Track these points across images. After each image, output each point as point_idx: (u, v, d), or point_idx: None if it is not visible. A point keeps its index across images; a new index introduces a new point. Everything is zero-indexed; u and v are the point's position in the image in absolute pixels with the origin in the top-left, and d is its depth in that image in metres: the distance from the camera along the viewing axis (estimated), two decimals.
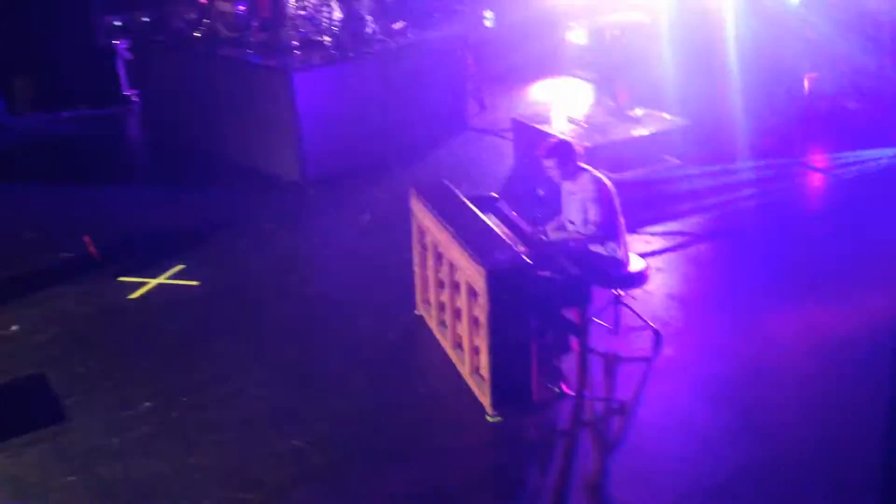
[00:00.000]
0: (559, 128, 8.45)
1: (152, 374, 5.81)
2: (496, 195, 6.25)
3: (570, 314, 5.25)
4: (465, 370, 5.51)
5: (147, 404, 5.47)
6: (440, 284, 5.89)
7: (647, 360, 5.71)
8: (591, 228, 5.56)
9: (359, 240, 7.75)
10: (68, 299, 6.85)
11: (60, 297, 6.87)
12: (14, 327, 6.40)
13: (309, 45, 9.55)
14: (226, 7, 10.03)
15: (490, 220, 5.59)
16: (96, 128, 11.27)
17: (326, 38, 9.57)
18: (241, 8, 10.08)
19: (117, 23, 11.54)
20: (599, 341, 5.75)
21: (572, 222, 5.68)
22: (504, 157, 9.39)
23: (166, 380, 5.74)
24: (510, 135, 9.43)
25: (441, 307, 5.92)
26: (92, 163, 10.12)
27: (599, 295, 5.62)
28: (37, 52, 11.40)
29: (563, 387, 5.26)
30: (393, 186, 8.60)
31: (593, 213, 5.53)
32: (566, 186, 5.73)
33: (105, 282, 7.08)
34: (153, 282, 7.09)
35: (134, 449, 5.08)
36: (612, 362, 5.68)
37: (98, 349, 6.16)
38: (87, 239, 7.61)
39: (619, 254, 5.65)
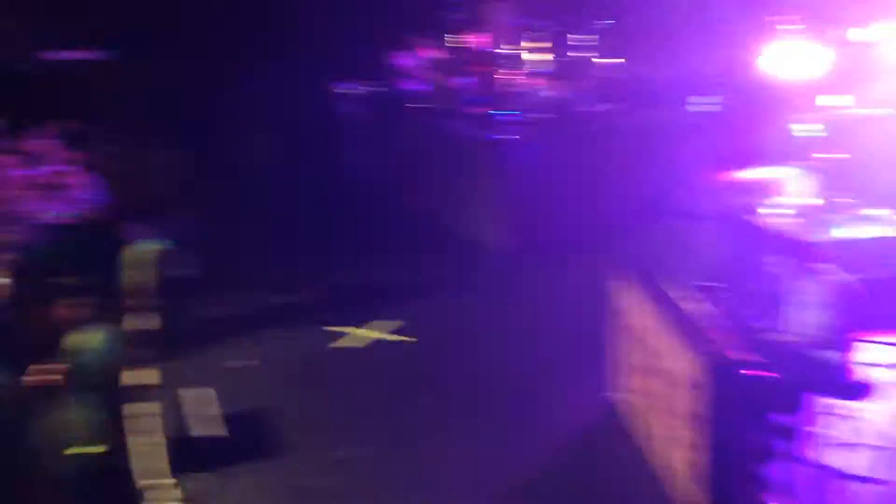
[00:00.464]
0: (780, 221, 8.09)
1: (363, 423, 6.10)
2: (707, 285, 6.07)
3: (785, 419, 4.96)
4: (664, 466, 5.33)
5: (356, 451, 5.73)
6: (640, 371, 5.78)
7: (871, 480, 5.25)
8: (817, 331, 5.26)
9: (557, 312, 7.80)
10: (291, 341, 7.38)
11: (284, 339, 7.41)
12: (242, 362, 6.95)
13: (526, 120, 9.88)
14: (450, 82, 10.61)
15: (701, 311, 5.44)
16: (321, 185, 12.08)
17: (542, 115, 9.86)
18: (465, 83, 10.62)
19: (350, 91, 12.48)
20: (817, 453, 5.36)
21: (797, 322, 5.40)
22: (716, 245, 9.10)
23: (376, 430, 6.00)
24: (724, 223, 9.14)
25: (639, 395, 5.79)
26: (313, 217, 10.87)
27: (820, 403, 5.27)
28: (274, 114, 12.47)
29: (773, 498, 4.95)
30: (595, 262, 8.58)
31: (820, 316, 5.24)
32: (793, 285, 5.48)
33: (321, 329, 7.56)
34: (367, 334, 7.48)
35: (339, 494, 5.30)
36: (829, 478, 5.26)
37: (316, 393, 6.57)
38: (310, 287, 8.18)
39: (845, 361, 5.29)
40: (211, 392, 6.19)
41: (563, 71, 10.75)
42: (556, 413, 6.16)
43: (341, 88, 12.60)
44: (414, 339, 7.39)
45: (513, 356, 7.08)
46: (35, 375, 5.18)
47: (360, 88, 12.24)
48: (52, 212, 8.03)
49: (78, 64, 11.13)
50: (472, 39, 11.17)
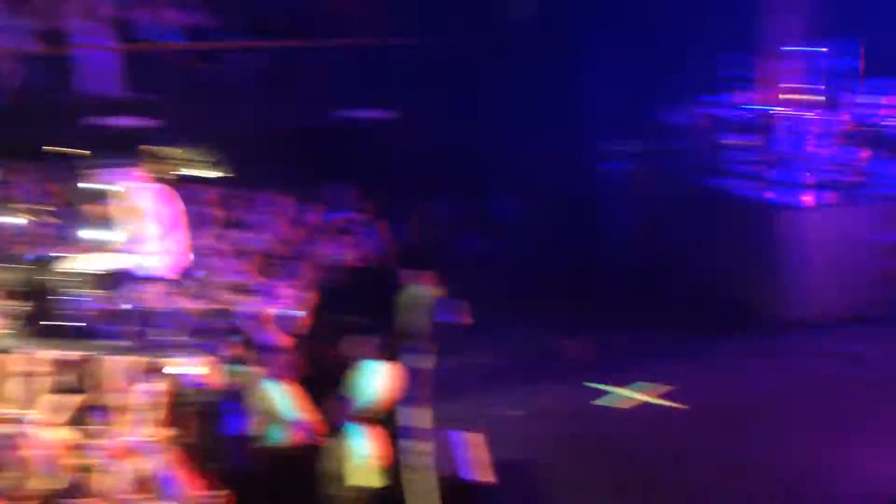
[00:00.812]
0: None
1: (628, 488, 5.93)
2: None
3: None
4: None
5: None
6: None
7: None
8: None
9: (850, 390, 7.11)
10: (555, 394, 7.40)
11: (548, 391, 7.44)
12: (508, 411, 7.05)
13: (811, 182, 9.24)
14: (725, 142, 10.21)
15: None
16: (584, 241, 12.04)
17: (830, 177, 9.19)
18: (742, 142, 10.18)
19: (617, 148, 12.41)
20: None
21: None
22: None
23: (642, 498, 5.82)
24: None
25: None
26: (575, 272, 10.84)
27: None
28: (540, 171, 12.65)
29: None
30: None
31: None
32: None
33: (585, 385, 7.51)
34: (633, 395, 7.32)
35: None
36: None
37: (580, 450, 6.49)
38: (572, 343, 8.17)
39: None
40: (480, 437, 6.33)
41: (851, 132, 9.95)
42: None
43: (609, 145, 12.58)
44: (681, 406, 7.09)
45: (798, 436, 6.53)
46: (329, 407, 5.62)
47: (628, 146, 12.15)
48: (342, 255, 8.78)
49: (370, 122, 12.14)
50: (751, 97, 10.70)
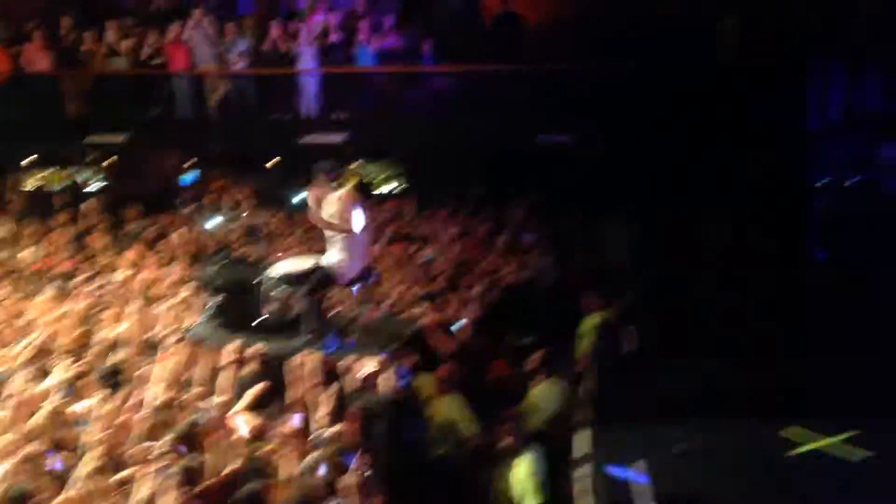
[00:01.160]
0: None
1: None
2: None
3: None
4: None
5: None
6: None
7: None
8: None
9: None
10: (729, 433, 6.90)
11: (722, 429, 6.98)
12: (679, 444, 6.72)
13: None
14: None
15: None
16: (780, 275, 11.29)
17: None
18: None
19: (826, 183, 11.59)
20: None
21: None
22: None
23: None
24: None
25: None
26: (765, 306, 10.14)
27: None
28: (736, 198, 12.04)
29: None
30: None
31: None
32: None
33: (763, 425, 7.00)
34: (816, 439, 6.80)
35: None
36: None
37: (754, 497, 6.12)
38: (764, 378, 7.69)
39: None
40: (642, 464, 6.10)
41: None
42: None
43: (817, 180, 11.79)
44: (869, 453, 6.49)
45: None
46: (497, 424, 5.64)
47: (839, 180, 11.31)
48: (514, 274, 8.81)
49: (563, 145, 12.06)
50: None
